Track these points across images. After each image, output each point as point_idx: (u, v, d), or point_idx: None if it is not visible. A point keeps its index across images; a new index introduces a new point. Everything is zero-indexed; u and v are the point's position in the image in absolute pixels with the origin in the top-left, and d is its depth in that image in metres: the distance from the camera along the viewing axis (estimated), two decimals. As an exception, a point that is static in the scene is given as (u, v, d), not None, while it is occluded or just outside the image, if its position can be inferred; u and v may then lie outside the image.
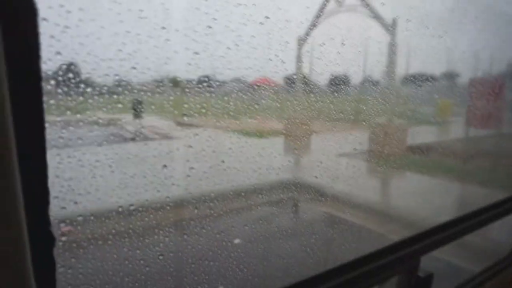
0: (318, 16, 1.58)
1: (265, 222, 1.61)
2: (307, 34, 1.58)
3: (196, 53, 1.10)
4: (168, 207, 1.21)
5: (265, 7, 1.20)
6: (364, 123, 1.90)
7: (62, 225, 0.99)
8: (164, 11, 1.01)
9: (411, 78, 2.13)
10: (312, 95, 1.67)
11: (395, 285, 1.57)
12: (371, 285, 1.41)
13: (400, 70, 2.11)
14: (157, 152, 1.24)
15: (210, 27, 1.09)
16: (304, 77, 1.71)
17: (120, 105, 1.06)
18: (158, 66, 1.04)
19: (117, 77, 0.99)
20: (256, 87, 1.38)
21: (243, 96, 1.32)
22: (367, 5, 1.80)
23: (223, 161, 1.31)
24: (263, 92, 1.42)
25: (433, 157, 3.09)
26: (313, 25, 1.57)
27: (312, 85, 1.70)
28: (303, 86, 1.72)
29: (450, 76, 2.65)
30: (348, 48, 1.52)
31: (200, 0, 1.08)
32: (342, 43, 1.45)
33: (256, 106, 1.39)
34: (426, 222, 1.89)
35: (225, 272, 1.41)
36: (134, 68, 0.99)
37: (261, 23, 1.20)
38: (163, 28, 1.02)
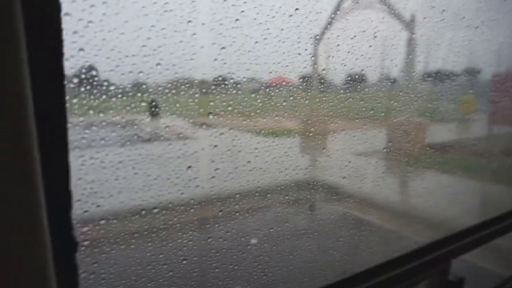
0: (336, 11, 1.51)
1: (290, 223, 1.56)
2: (326, 28, 1.51)
3: (223, 47, 1.05)
4: (192, 210, 1.17)
5: (294, -2, 1.14)
6: (394, 120, 1.83)
7: (85, 228, 0.96)
8: (190, 3, 0.96)
9: (443, 74, 2.03)
10: (341, 92, 1.60)
11: (423, 289, 1.50)
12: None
13: (430, 66, 2.02)
14: (181, 153, 1.19)
15: (237, 20, 1.04)
16: (326, 74, 1.64)
17: (143, 104, 1.02)
18: (183, 62, 0.99)
19: (141, 74, 0.95)
20: (283, 84, 1.33)
21: (271, 93, 1.27)
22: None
23: (249, 161, 1.27)
24: (290, 89, 1.36)
25: (465, 155, 3.00)
26: (332, 19, 1.51)
27: (339, 81, 1.64)
28: (327, 83, 1.66)
29: (487, 71, 2.53)
30: (375, 43, 1.46)
31: (228, -8, 1.02)
32: (374, 36, 1.38)
33: (284, 103, 1.33)
34: (458, 223, 1.81)
35: (250, 276, 1.37)
36: (158, 64, 0.94)
37: (290, 16, 1.15)
38: (189, 21, 0.97)
